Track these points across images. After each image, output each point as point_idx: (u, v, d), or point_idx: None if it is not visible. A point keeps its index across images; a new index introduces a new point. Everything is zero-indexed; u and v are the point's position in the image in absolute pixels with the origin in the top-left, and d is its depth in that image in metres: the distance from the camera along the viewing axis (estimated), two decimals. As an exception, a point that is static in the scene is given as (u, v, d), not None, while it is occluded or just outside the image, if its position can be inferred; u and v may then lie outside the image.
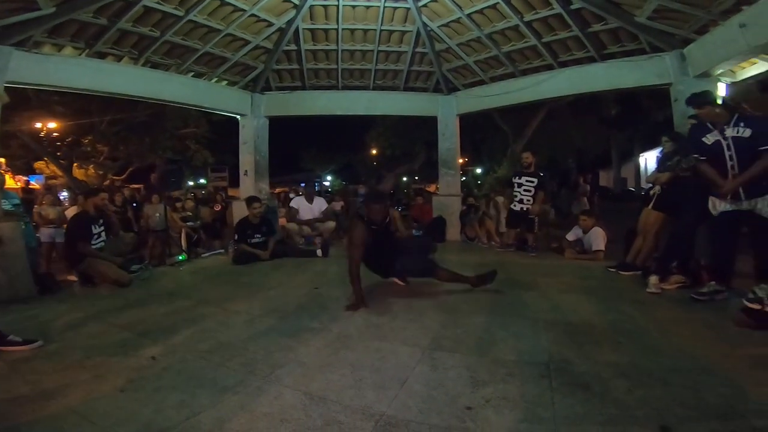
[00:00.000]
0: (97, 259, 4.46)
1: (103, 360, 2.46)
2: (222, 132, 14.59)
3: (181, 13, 5.21)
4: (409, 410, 1.85)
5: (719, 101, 3.61)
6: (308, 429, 1.73)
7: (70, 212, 6.16)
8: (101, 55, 5.34)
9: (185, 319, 3.21)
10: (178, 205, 7.75)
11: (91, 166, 14.44)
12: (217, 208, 9.24)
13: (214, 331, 2.96)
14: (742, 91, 5.23)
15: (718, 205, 3.36)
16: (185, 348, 2.64)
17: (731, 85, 5.06)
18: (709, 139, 3.36)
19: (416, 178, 27.76)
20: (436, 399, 1.94)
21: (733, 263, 3.44)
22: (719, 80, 5.04)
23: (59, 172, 13.64)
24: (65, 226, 5.58)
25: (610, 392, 1.96)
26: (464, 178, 17.08)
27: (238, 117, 7.53)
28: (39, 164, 14.56)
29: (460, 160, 9.98)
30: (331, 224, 6.94)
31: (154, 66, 5.96)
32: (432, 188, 17.30)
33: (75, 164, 14.03)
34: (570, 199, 9.53)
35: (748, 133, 3.17)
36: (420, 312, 3.25)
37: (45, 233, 5.99)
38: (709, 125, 3.38)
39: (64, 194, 12.20)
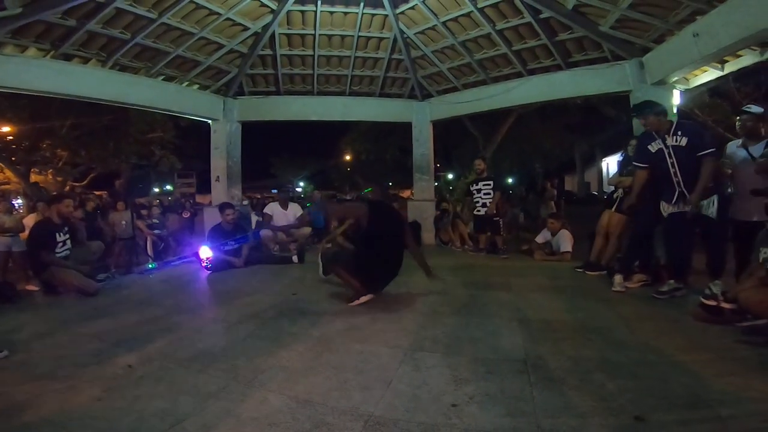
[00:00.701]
0: (60, 268, 4.26)
1: (76, 369, 2.36)
2: (190, 137, 14.24)
3: (154, 16, 5.11)
4: (396, 410, 1.88)
5: (673, 110, 3.84)
6: None
7: (29, 220, 5.85)
8: (67, 57, 5.15)
9: (160, 328, 3.11)
10: (144, 212, 7.53)
11: (50, 171, 13.74)
12: (186, 215, 9.03)
13: (191, 338, 2.89)
14: (695, 98, 5.61)
15: (666, 208, 3.58)
16: (163, 356, 2.57)
17: (684, 93, 5.39)
18: (654, 147, 3.58)
19: (390, 184, 27.93)
20: (421, 398, 1.98)
21: (689, 262, 3.67)
22: (674, 87, 5.37)
23: (14, 178, 12.89)
24: (23, 234, 5.32)
25: (585, 385, 2.06)
26: (436, 184, 17.33)
27: (210, 122, 7.39)
28: (-10, 169, 13.73)
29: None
30: (307, 230, 6.89)
31: (123, 69, 5.79)
32: (406, 194, 17.46)
33: (32, 170, 13.30)
34: (538, 204, 9.88)
35: (684, 141, 3.40)
36: (399, 314, 3.30)
37: (1, 242, 5.65)
38: (654, 134, 3.58)
39: (18, 201, 11.56)
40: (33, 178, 13.25)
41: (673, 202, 3.51)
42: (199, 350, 2.66)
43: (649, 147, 3.61)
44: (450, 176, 21.00)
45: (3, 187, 13.34)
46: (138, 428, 1.78)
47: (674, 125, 3.52)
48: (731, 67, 5.08)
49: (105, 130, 12.06)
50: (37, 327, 3.22)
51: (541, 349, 2.54)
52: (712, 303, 2.89)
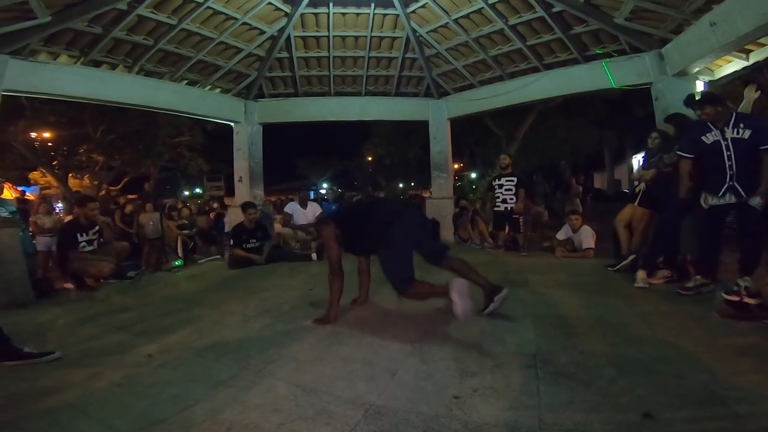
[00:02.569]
0: (79, 260, 4.57)
1: (100, 358, 2.51)
2: (216, 140, 14.68)
3: (174, 22, 5.29)
4: (398, 400, 1.90)
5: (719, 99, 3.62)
6: (298, 418, 1.77)
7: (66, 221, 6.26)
8: (96, 64, 5.41)
9: (181, 320, 3.26)
10: (174, 213, 7.83)
11: (87, 176, 14.46)
12: (212, 216, 9.34)
13: (209, 330, 3.01)
14: (726, 88, 5.35)
15: (709, 200, 3.40)
16: (181, 346, 2.69)
17: (709, 83, 5.17)
18: (709, 138, 3.36)
19: (412, 184, 27.92)
20: (424, 389, 1.99)
21: (719, 257, 3.51)
22: (697, 78, 5.15)
23: (54, 183, 13.65)
24: None
25: (594, 381, 2.01)
26: (459, 183, 17.21)
27: (232, 124, 7.60)
28: (34, 174, 14.58)
29: (456, 166, 10.11)
30: None
31: (148, 74, 6.02)
32: (427, 194, 17.44)
33: (70, 174, 14.05)
34: (564, 201, 9.64)
35: (747, 134, 3.20)
36: (411, 309, 3.30)
37: (42, 242, 6.04)
38: (710, 124, 3.38)
39: (59, 205, 12.23)
40: (71, 182, 14.01)
41: (720, 194, 3.33)
42: (216, 341, 2.77)
43: (704, 138, 3.40)
44: (473, 175, 20.83)
45: (45, 191, 14.13)
46: (151, 411, 1.87)
47: (734, 117, 3.32)
48: (756, 56, 4.80)
49: (136, 134, 12.60)
50: (68, 319, 3.44)
51: (554, 344, 2.50)
52: (735, 298, 2.76)
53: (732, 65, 5.09)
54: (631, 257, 4.32)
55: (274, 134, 8.03)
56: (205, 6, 5.23)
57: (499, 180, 6.32)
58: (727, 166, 3.28)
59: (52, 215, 7.22)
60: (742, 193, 3.23)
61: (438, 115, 7.85)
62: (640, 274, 3.83)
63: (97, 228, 4.89)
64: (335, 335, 2.78)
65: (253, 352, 2.52)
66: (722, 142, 3.29)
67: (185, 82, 6.55)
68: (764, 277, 2.67)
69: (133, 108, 6.92)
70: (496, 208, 6.38)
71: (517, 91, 6.76)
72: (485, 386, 1.99)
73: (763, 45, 4.63)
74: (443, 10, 6.06)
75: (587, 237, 5.50)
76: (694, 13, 4.54)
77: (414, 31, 6.59)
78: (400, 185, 28.48)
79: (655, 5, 4.75)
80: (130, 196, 11.37)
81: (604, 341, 2.53)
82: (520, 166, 6.40)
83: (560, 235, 5.87)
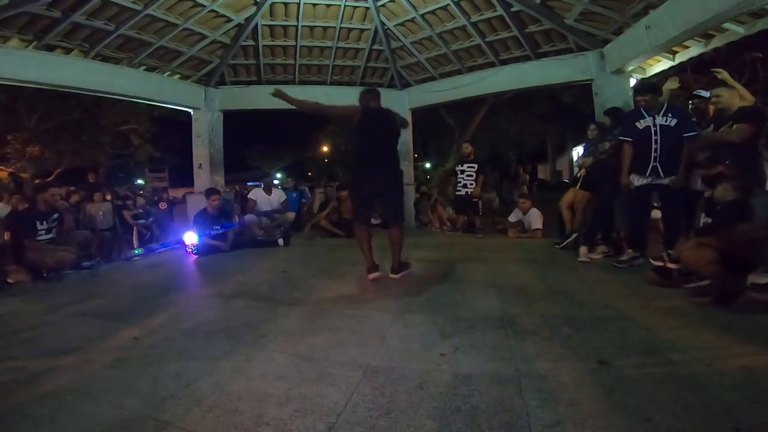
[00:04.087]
0: (36, 250, 4.34)
1: (84, 344, 2.45)
2: (163, 130, 13.99)
3: (139, 8, 5.10)
4: (391, 360, 2.10)
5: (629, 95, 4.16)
6: (303, 382, 1.89)
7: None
8: (49, 48, 5.10)
9: (158, 305, 3.22)
10: (129, 202, 7.50)
11: (12, 166, 13.22)
12: (163, 206, 9.01)
13: (190, 312, 3.04)
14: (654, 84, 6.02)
15: (636, 181, 3.91)
16: (166, 329, 2.69)
17: (641, 81, 5.78)
18: (641, 124, 3.86)
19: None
20: (412, 350, 2.22)
21: (647, 233, 4.03)
22: (631, 76, 5.76)
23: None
24: None
25: (554, 337, 2.33)
26: (415, 173, 17.59)
27: (191, 111, 7.37)
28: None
29: (410, 155, 10.42)
30: (290, 215, 7.04)
31: (105, 59, 5.74)
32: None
33: (-1, 166, 12.80)
34: (512, 189, 10.31)
35: (674, 122, 3.72)
36: (385, 284, 3.54)
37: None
38: (643, 111, 3.88)
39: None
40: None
41: (647, 174, 3.81)
42: (200, 321, 2.80)
43: (637, 124, 3.89)
44: (427, 165, 21.36)
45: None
46: (155, 390, 1.88)
47: (665, 107, 3.83)
48: (681, 57, 5.47)
49: (76, 122, 11.71)
50: (34, 309, 3.28)
51: (516, 308, 2.84)
52: (660, 263, 3.26)
53: (661, 65, 5.73)
54: (574, 235, 4.83)
55: (224, 124, 7.82)
56: (174, -8, 5.09)
57: (461, 166, 6.69)
58: (653, 149, 3.78)
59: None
60: (661, 173, 3.74)
61: (401, 105, 8.03)
62: (582, 249, 4.33)
63: (56, 215, 4.64)
64: (318, 310, 2.93)
65: (242, 330, 2.59)
66: (652, 127, 3.79)
67: (143, 67, 6.29)
68: (683, 244, 3.15)
69: (84, 94, 6.48)
70: (457, 193, 6.77)
71: (475, 84, 7.13)
72: (465, 344, 2.26)
73: (687, 47, 5.26)
74: (411, 5, 6.27)
75: (536, 219, 6.04)
76: (633, 16, 5.05)
77: (383, 23, 6.76)
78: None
79: (601, 8, 5.23)
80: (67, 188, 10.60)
81: (557, 305, 2.91)
82: (475, 155, 6.85)
83: (512, 218, 6.39)
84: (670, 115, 3.77)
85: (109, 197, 7.29)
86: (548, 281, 3.57)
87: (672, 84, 4.58)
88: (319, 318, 2.77)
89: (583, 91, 9.59)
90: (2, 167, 13.20)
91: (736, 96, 3.57)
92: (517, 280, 3.67)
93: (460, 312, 2.80)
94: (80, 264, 4.72)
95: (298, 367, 2.06)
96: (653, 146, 3.79)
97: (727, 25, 4.45)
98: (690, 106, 4.23)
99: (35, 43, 4.92)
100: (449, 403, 1.68)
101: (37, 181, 12.74)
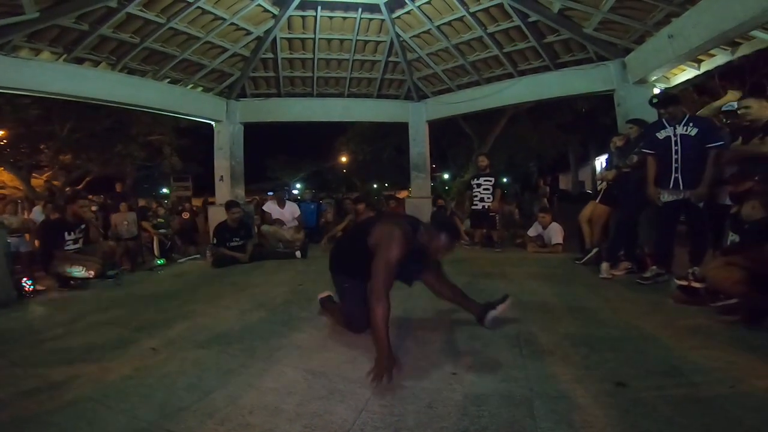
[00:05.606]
0: (64, 259, 4.50)
1: (104, 353, 2.54)
2: (187, 139, 14.40)
3: (162, 21, 5.31)
4: (402, 378, 2.07)
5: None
6: (314, 398, 1.91)
7: (33, 217, 6.05)
8: (78, 61, 5.34)
9: (177, 316, 3.31)
10: (150, 213, 7.70)
11: (46, 175, 13.84)
12: (186, 216, 9.20)
13: (207, 324, 3.08)
14: (682, 95, 5.84)
15: (662, 197, 3.79)
16: (183, 340, 2.75)
17: (665, 90, 5.64)
18: (662, 134, 3.77)
19: (386, 185, 28.15)
20: (424, 368, 2.19)
21: (673, 250, 3.89)
22: (654, 86, 5.62)
23: (10, 182, 12.98)
24: (27, 235, 5.62)
25: (571, 357, 2.27)
26: (432, 184, 17.55)
27: (213, 123, 7.59)
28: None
29: (429, 166, 10.43)
30: (301, 235, 6.72)
31: (131, 72, 5.99)
32: (403, 194, 17.68)
33: (33, 174, 13.41)
34: (532, 201, 10.15)
35: (694, 132, 3.60)
36: (401, 301, 3.48)
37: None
38: (664, 122, 3.78)
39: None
40: (33, 182, 13.37)
41: (670, 187, 3.70)
42: (216, 334, 2.85)
43: (657, 134, 3.80)
44: (446, 176, 21.28)
45: (2, 191, 13.42)
46: (170, 400, 1.92)
47: (687, 117, 3.70)
48: (706, 66, 5.34)
49: (106, 132, 12.19)
50: (59, 318, 3.40)
51: (533, 326, 2.78)
52: (685, 283, 3.14)
53: (685, 74, 5.59)
54: (595, 250, 4.71)
55: (245, 134, 7.99)
56: (195, 6, 5.28)
57: (477, 180, 6.62)
58: (673, 159, 3.66)
59: (18, 215, 6.97)
60: (682, 186, 3.61)
61: (417, 117, 8.12)
62: (604, 266, 4.20)
63: (83, 226, 4.81)
64: (333, 326, 2.93)
65: (256, 343, 2.63)
66: (672, 137, 3.68)
67: (167, 80, 6.53)
68: (709, 263, 3.03)
69: (113, 106, 6.76)
70: (473, 207, 6.69)
71: (493, 95, 7.12)
72: (478, 363, 2.22)
73: (713, 55, 5.13)
74: (427, 16, 6.33)
75: (556, 233, 5.91)
76: (655, 25, 4.97)
77: (398, 35, 6.84)
78: (374, 186, 28.65)
79: (621, 17, 5.15)
80: (91, 197, 11.00)
81: (576, 324, 2.83)
82: (494, 167, 6.80)
83: (531, 232, 6.26)
84: (691, 124, 3.64)
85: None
86: (567, 298, 3.49)
87: (733, 96, 4.24)
88: (333, 334, 2.77)
89: (597, 100, 9.42)
90: (36, 175, 13.83)
91: (766, 107, 3.39)
92: (536, 296, 3.59)
93: (476, 330, 2.75)
94: (105, 273, 4.88)
95: (310, 383, 2.07)
96: (673, 157, 3.68)
97: (754, 32, 4.33)
98: (723, 120, 4.05)
99: (65, 55, 5.17)
100: (458, 424, 1.65)
101: (67, 189, 13.31)
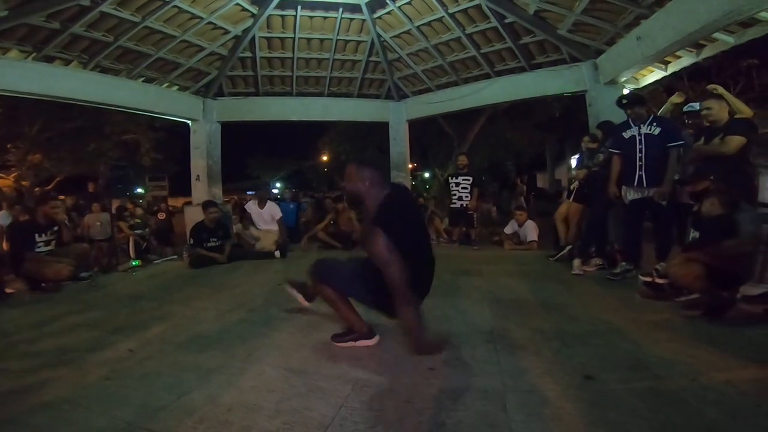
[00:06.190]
0: (35, 261, 4.39)
1: (80, 355, 2.49)
2: (164, 138, 14.09)
3: (137, 19, 5.20)
4: (381, 374, 2.14)
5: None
6: (294, 396, 1.93)
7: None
8: (49, 59, 5.19)
9: (154, 317, 3.27)
10: (126, 213, 7.53)
11: (13, 175, 13.31)
12: (162, 216, 9.03)
13: (185, 325, 3.06)
14: (651, 95, 6.05)
15: (629, 195, 3.95)
16: (161, 341, 2.73)
17: (634, 91, 5.83)
18: (627, 133, 3.94)
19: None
20: (402, 364, 2.25)
21: (641, 245, 4.06)
22: (624, 86, 5.80)
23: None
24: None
25: (542, 351, 2.37)
26: (414, 183, 17.65)
27: (189, 122, 7.47)
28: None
29: (410, 165, 10.50)
30: (277, 237, 6.53)
31: (104, 71, 5.84)
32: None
33: (-1, 175, 12.88)
34: (510, 199, 10.36)
35: (658, 131, 3.77)
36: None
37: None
38: (630, 122, 3.95)
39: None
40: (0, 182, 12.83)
41: (634, 185, 3.86)
42: (195, 334, 2.83)
43: (624, 134, 3.96)
44: (426, 175, 21.44)
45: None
46: (149, 401, 1.92)
47: (652, 117, 3.88)
48: (673, 67, 5.53)
49: (77, 131, 11.81)
50: (31, 320, 3.31)
51: (507, 323, 2.87)
52: (649, 279, 3.29)
53: (653, 75, 5.79)
54: (568, 247, 4.87)
55: (225, 133, 7.89)
56: (171, 5, 5.19)
57: (456, 179, 6.75)
58: (637, 158, 3.83)
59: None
60: (645, 184, 3.78)
61: (397, 116, 8.17)
62: (576, 262, 4.37)
63: (56, 228, 4.69)
64: (312, 324, 2.95)
65: (236, 343, 2.64)
66: (637, 137, 3.85)
67: (142, 79, 6.39)
68: (672, 259, 3.18)
69: (85, 105, 6.57)
70: (452, 205, 6.81)
71: (471, 95, 7.23)
72: (454, 358, 2.29)
73: (679, 57, 5.32)
74: (407, 17, 6.39)
75: (531, 231, 6.08)
76: (625, 27, 5.12)
77: (379, 35, 6.88)
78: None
79: (593, 19, 5.30)
80: (61, 197, 10.65)
81: (548, 319, 2.94)
82: (474, 166, 6.93)
83: (508, 230, 6.43)
84: (655, 124, 3.82)
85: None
86: (541, 294, 3.61)
87: (677, 98, 4.58)
88: (313, 333, 2.79)
89: (570, 100, 9.67)
90: (3, 175, 13.28)
91: (725, 108, 3.58)
92: (511, 293, 3.70)
93: (452, 326, 2.83)
94: (78, 275, 4.76)
95: (289, 381, 2.09)
96: (638, 155, 3.85)
97: (717, 35, 4.49)
98: (686, 120, 4.26)
99: (34, 54, 5.01)
100: (435, 418, 1.71)
101: (36, 190, 12.84)
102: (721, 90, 3.82)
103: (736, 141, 3.31)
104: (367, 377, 2.11)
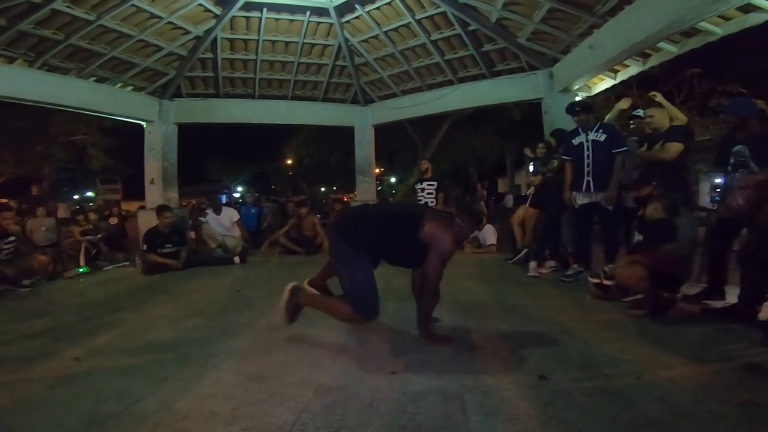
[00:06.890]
0: None
1: (21, 364, 2.36)
2: (116, 140, 13.43)
3: (92, 18, 4.97)
4: (344, 378, 2.13)
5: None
6: (252, 402, 1.89)
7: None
8: (-10, 58, 4.84)
9: (103, 324, 3.12)
10: (80, 218, 7.09)
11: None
12: (114, 221, 8.58)
13: (137, 332, 2.93)
14: (603, 103, 6.32)
15: (578, 199, 4.15)
16: (111, 348, 2.61)
17: (587, 98, 6.07)
18: (576, 140, 4.13)
19: (334, 188, 27.99)
20: (365, 368, 2.25)
21: (591, 248, 4.27)
22: (577, 94, 6.05)
23: None
24: None
25: (499, 352, 2.44)
26: (380, 188, 17.74)
27: (144, 123, 7.16)
28: None
29: (377, 170, 10.55)
30: (239, 241, 6.52)
31: (51, 69, 5.53)
32: (353, 196, 17.64)
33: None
34: (471, 204, 10.60)
35: (603, 137, 3.97)
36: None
37: None
38: (579, 129, 4.14)
39: None
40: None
41: (583, 190, 4.04)
42: (148, 342, 2.72)
43: (573, 141, 4.15)
44: (392, 179, 21.60)
45: None
46: (98, 409, 1.84)
47: (598, 124, 4.07)
48: (622, 75, 5.83)
49: (21, 132, 11.02)
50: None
51: (466, 324, 2.95)
52: (597, 281, 3.47)
53: (604, 83, 6.08)
54: (525, 251, 5.06)
55: (182, 135, 7.65)
56: (129, 4, 4.99)
57: (421, 184, 6.80)
58: (585, 164, 4.03)
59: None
60: (592, 188, 3.97)
61: (363, 121, 8.19)
62: (532, 264, 4.55)
63: (11, 239, 4.35)
64: (272, 330, 2.87)
65: (192, 350, 2.54)
66: (585, 143, 4.06)
67: (94, 78, 6.09)
68: (617, 262, 3.38)
69: (29, 104, 6.16)
70: None
71: (435, 101, 7.37)
72: (416, 361, 2.32)
73: (627, 66, 5.62)
74: (375, 22, 6.43)
75: (490, 235, 6.29)
76: (579, 36, 5.35)
77: (346, 40, 6.88)
78: (322, 189, 28.38)
79: (550, 28, 5.51)
80: (5, 201, 9.88)
81: (505, 321, 3.04)
82: (438, 171, 7.03)
83: (468, 234, 6.58)
84: (601, 131, 4.02)
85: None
86: (499, 296, 3.73)
87: (623, 104, 4.77)
88: (274, 338, 2.74)
89: (530, 107, 10.04)
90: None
91: (666, 116, 3.82)
92: (470, 296, 3.79)
93: (414, 329, 2.83)
94: (19, 282, 4.44)
95: (247, 387, 2.05)
96: (586, 161, 4.04)
97: (662, 44, 4.75)
98: (631, 126, 4.47)
99: (-28, 52, 4.68)
100: (397, 421, 1.73)
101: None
102: (660, 98, 4.07)
103: (674, 147, 3.53)
104: (330, 382, 2.09)
